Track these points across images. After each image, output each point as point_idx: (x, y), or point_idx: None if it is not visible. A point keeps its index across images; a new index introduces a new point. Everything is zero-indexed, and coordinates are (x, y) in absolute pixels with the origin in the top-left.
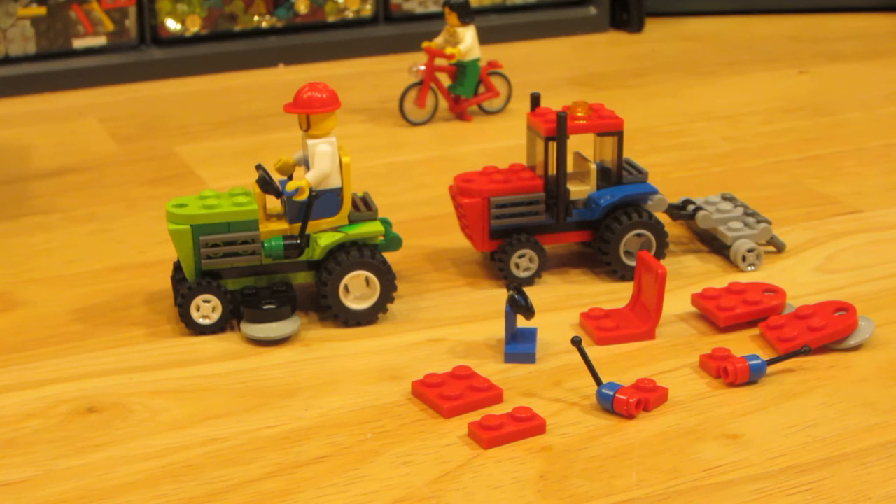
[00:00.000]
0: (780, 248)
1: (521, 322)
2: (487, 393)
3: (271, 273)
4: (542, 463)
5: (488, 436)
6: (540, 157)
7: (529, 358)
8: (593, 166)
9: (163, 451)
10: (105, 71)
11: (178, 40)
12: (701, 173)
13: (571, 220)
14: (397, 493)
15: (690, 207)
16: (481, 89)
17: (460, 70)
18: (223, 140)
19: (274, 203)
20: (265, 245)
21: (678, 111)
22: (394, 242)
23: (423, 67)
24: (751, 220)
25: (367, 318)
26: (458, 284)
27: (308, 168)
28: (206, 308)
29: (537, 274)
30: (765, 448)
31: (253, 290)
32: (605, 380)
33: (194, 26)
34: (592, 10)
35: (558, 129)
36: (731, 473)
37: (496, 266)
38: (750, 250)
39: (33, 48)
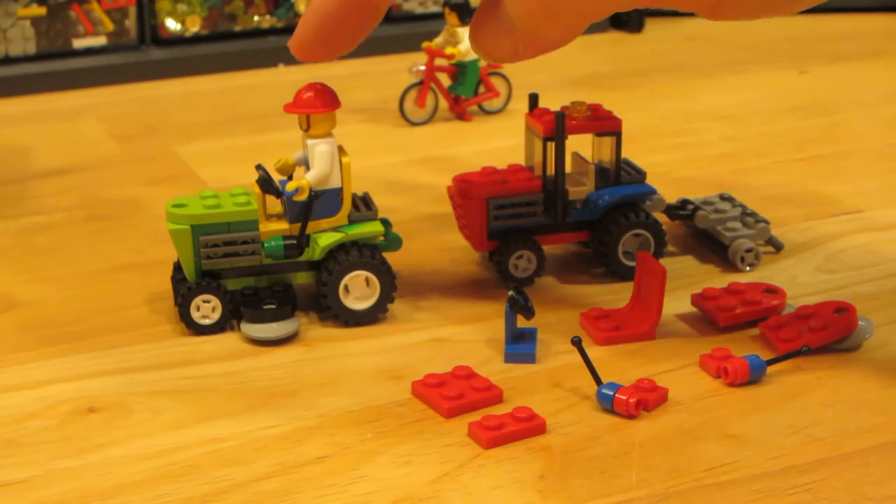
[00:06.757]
0: (778, 247)
1: (521, 322)
2: (487, 393)
3: (271, 273)
4: (542, 463)
5: (488, 436)
6: (538, 158)
7: (529, 358)
8: (592, 167)
9: (163, 451)
10: (105, 71)
11: (178, 40)
12: (701, 173)
13: (570, 221)
14: (397, 493)
15: (689, 207)
16: (481, 89)
17: (460, 70)
18: (223, 140)
19: (274, 203)
20: (265, 245)
21: (678, 111)
22: (394, 242)
23: (423, 67)
24: (749, 219)
25: (367, 318)
26: (458, 284)
27: (308, 168)
28: (206, 308)
29: (536, 274)
30: (765, 448)
31: (253, 290)
32: (605, 380)
33: (194, 26)
34: None
35: (557, 130)
36: (731, 473)
37: (494, 266)
38: (748, 250)
39: (33, 48)
